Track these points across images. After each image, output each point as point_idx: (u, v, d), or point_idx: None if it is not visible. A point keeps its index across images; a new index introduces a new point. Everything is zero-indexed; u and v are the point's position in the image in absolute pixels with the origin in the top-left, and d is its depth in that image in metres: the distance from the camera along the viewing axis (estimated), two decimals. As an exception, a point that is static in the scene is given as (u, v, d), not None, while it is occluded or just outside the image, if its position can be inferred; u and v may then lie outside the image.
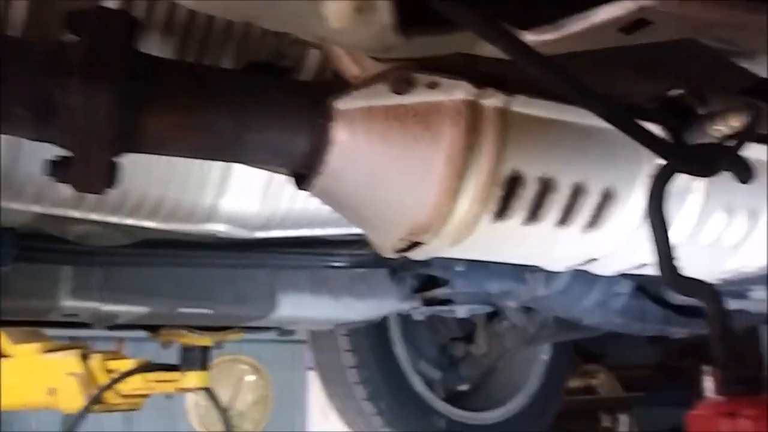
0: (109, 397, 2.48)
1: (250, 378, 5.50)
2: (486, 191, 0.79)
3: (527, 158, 0.81)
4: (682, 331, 2.40)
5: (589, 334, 2.76)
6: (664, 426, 6.39)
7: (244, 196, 1.12)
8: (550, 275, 1.96)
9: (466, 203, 0.79)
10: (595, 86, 0.72)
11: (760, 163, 0.99)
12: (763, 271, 1.16)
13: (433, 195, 0.78)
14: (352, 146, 0.77)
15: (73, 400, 2.49)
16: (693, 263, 1.01)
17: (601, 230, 0.89)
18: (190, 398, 5.07)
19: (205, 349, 2.35)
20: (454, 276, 1.83)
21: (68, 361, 2.53)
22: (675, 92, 0.91)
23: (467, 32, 0.65)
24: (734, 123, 0.83)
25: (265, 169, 0.86)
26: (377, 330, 2.62)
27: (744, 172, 0.79)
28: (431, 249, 0.86)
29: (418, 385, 2.70)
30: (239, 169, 1.07)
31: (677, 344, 6.70)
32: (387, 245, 0.86)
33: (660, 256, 0.75)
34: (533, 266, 1.95)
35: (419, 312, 2.04)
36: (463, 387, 3.17)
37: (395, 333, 2.70)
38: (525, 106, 0.81)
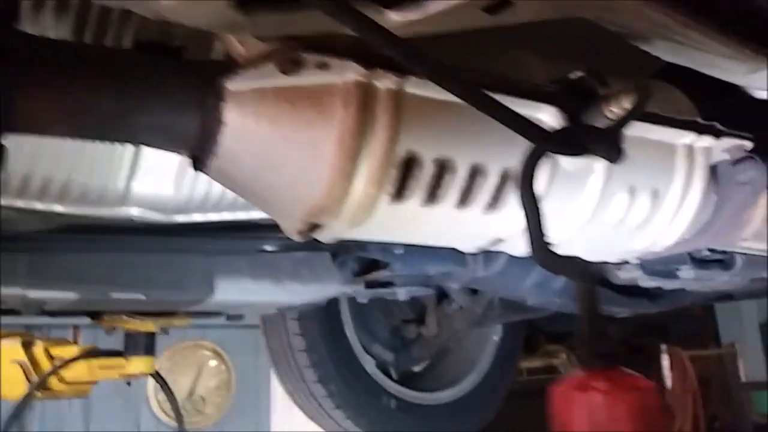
0: (54, 384, 2.45)
1: (212, 363, 5.49)
2: (381, 173, 0.80)
3: (422, 140, 0.81)
4: (624, 310, 2.45)
5: (535, 314, 2.81)
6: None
7: (157, 179, 1.11)
8: (489, 257, 1.98)
9: (360, 185, 0.79)
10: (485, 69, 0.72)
11: (664, 145, 1.01)
12: (673, 249, 1.19)
13: (326, 177, 0.78)
14: (244, 127, 0.77)
15: (16, 387, 2.45)
16: (599, 243, 1.03)
17: (502, 211, 0.90)
18: (151, 385, 5.05)
19: (149, 335, 2.33)
20: (393, 259, 1.84)
21: (10, 348, 2.48)
22: (575, 75, 0.92)
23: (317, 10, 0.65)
24: (626, 104, 0.84)
25: (166, 151, 0.85)
26: (327, 313, 2.63)
27: (612, 153, 0.80)
28: (332, 231, 0.86)
29: (369, 367, 2.72)
30: (150, 152, 1.06)
31: (639, 323, 6.85)
32: (290, 227, 0.86)
33: (531, 235, 0.76)
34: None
35: (362, 295, 2.05)
36: (417, 368, 3.21)
37: (346, 316, 2.71)
38: (419, 87, 0.81)
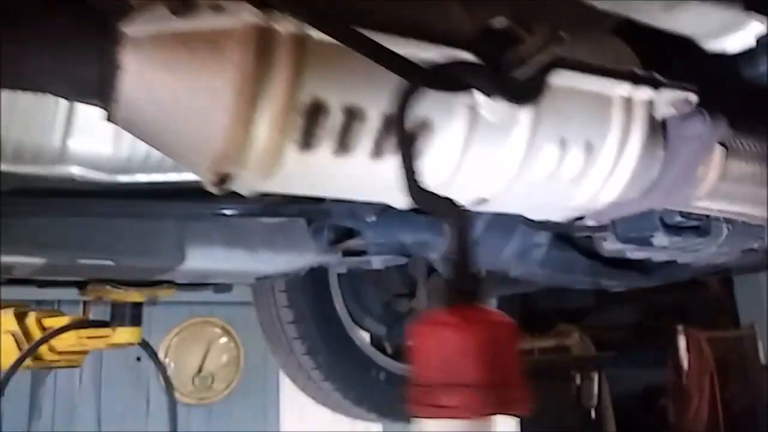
0: (45, 353, 2.50)
1: (222, 340, 5.56)
2: (283, 119, 0.78)
3: (328, 86, 0.79)
4: (616, 283, 2.41)
5: (525, 288, 2.78)
6: (636, 386, 6.47)
7: (94, 136, 1.11)
8: (465, 226, 1.96)
9: (263, 132, 0.78)
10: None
11: (598, 96, 0.97)
12: (621, 209, 1.16)
13: (225, 123, 0.76)
14: (143, 74, 0.76)
15: (10, 357, 2.51)
16: (535, 198, 1.01)
17: (421, 162, 0.88)
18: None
19: (136, 306, 2.36)
20: (364, 227, 1.82)
21: (4, 319, 2.53)
22: (500, 23, 0.89)
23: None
24: (546, 55, 0.82)
25: (75, 100, 0.84)
26: (315, 285, 2.64)
27: (515, 94, 0.77)
28: (245, 182, 0.85)
29: (358, 339, 2.72)
30: (84, 109, 1.06)
31: (655, 304, 6.75)
32: (205, 178, 0.86)
33: (405, 174, 0.74)
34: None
35: (338, 264, 2.04)
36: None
37: (335, 288, 2.71)
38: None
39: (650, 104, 1.02)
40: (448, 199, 0.77)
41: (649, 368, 6.44)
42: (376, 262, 1.92)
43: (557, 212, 1.08)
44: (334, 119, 0.81)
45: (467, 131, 0.88)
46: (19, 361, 2.34)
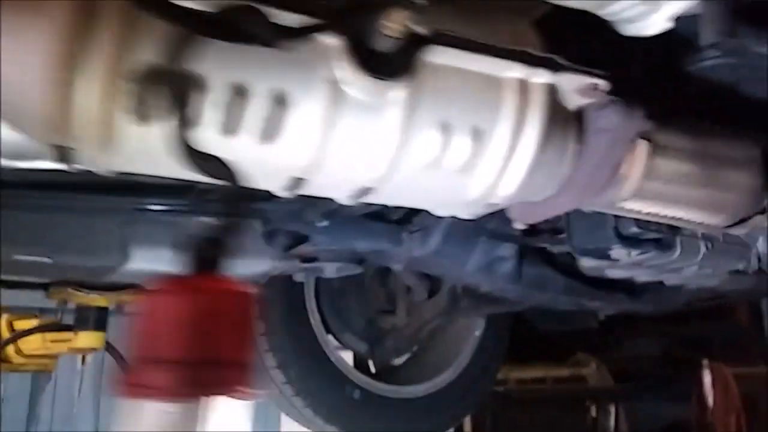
0: (12, 356, 2.48)
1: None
2: (112, 86, 0.73)
3: (160, 51, 0.74)
4: (599, 305, 2.29)
5: (514, 308, 2.67)
6: (657, 421, 6.19)
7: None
8: (424, 235, 1.88)
9: (88, 99, 0.73)
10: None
11: (486, 77, 0.90)
12: (532, 211, 1.07)
13: (42, 86, 0.71)
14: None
15: (-22, 359, 2.50)
16: (423, 189, 0.93)
17: (279, 142, 0.82)
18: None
19: (101, 310, 2.32)
20: (315, 232, 1.76)
21: (-23, 321, 2.53)
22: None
23: None
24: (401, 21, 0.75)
25: None
26: (288, 297, 2.57)
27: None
28: (85, 156, 0.80)
29: (332, 355, 2.64)
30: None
31: (680, 336, 6.48)
32: (45, 153, 0.80)
33: (178, 131, 0.68)
34: (408, 225, 1.89)
35: (293, 272, 1.97)
36: (397, 361, 3.10)
37: (310, 301, 2.64)
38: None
39: (552, 90, 0.94)
40: (217, 159, 0.70)
41: (672, 403, 6.17)
42: (329, 269, 1.85)
43: (458, 207, 1.00)
44: (171, 87, 0.75)
45: (329, 109, 0.81)
46: (-20, 362, 2.32)
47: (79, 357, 2.79)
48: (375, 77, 0.78)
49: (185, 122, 0.76)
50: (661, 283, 1.86)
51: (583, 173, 1.02)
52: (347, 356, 2.77)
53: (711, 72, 1.16)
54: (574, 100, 0.97)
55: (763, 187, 1.15)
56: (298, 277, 2.18)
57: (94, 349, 2.33)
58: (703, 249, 1.63)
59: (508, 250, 1.93)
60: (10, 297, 2.64)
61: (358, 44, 0.77)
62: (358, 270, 1.92)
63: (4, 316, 2.55)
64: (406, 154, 0.87)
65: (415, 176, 0.90)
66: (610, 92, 1.00)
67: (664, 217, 1.16)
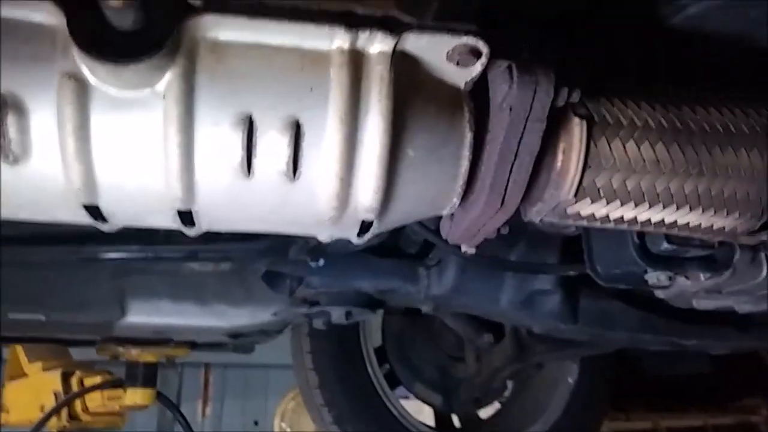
0: (80, 414, 2.50)
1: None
2: None
3: None
4: (701, 343, 1.88)
5: (597, 350, 2.28)
6: None
7: None
8: (440, 270, 1.62)
9: None
10: None
11: (296, 50, 0.67)
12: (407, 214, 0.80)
13: None
14: None
15: (54, 417, 2.55)
16: (250, 204, 0.73)
17: (31, 162, 0.65)
18: (276, 425, 5.10)
19: (149, 366, 2.28)
20: (308, 272, 1.57)
21: (52, 378, 2.60)
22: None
23: None
24: None
25: None
26: (342, 345, 2.38)
27: None
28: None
29: (396, 409, 2.40)
30: None
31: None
32: None
33: None
34: (425, 260, 1.65)
35: (299, 318, 1.78)
36: (483, 412, 2.78)
37: (367, 349, 2.43)
38: None
39: (411, 61, 0.70)
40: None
41: None
42: (336, 314, 1.64)
43: (320, 226, 0.77)
44: None
45: (78, 110, 0.63)
46: (43, 420, 2.36)
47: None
48: (108, 61, 0.60)
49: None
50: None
51: (489, 170, 0.75)
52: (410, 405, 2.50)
53: (699, 21, 0.85)
54: (452, 72, 0.71)
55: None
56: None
57: (144, 406, 2.28)
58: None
59: (547, 282, 1.61)
60: (84, 352, 2.70)
61: (77, 20, 0.60)
62: (369, 314, 1.69)
63: (77, 374, 2.60)
64: (200, 160, 0.67)
65: (230, 190, 0.70)
66: (530, 59, 0.73)
67: (647, 223, 0.85)
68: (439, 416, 2.74)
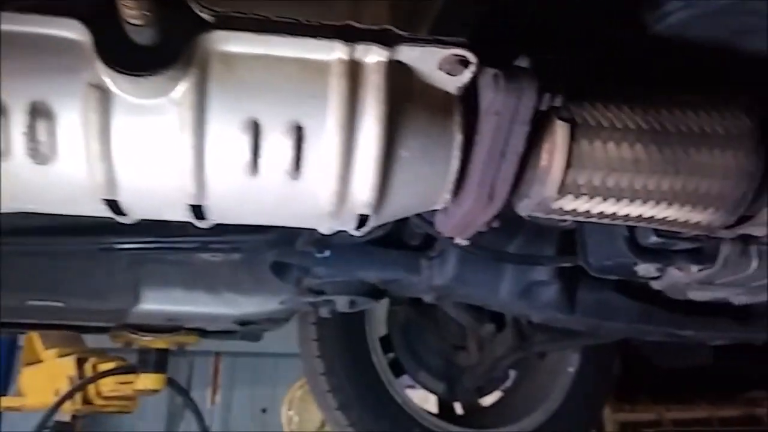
0: (94, 398, 2.60)
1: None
2: None
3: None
4: (698, 334, 1.93)
5: (596, 340, 2.34)
6: None
7: None
8: (442, 261, 1.68)
9: None
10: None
11: (300, 61, 0.74)
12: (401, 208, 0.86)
13: None
14: None
15: (68, 401, 2.65)
16: (258, 199, 0.79)
17: (58, 162, 0.72)
18: (284, 414, 5.18)
19: (161, 352, 2.37)
20: (313, 262, 1.63)
21: (67, 364, 2.69)
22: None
23: None
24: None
25: None
26: (348, 333, 2.45)
27: None
28: None
29: (399, 396, 2.47)
30: None
31: None
32: None
33: None
34: (427, 251, 1.71)
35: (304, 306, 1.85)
36: (484, 401, 2.85)
37: (372, 337, 2.50)
38: None
39: (404, 70, 0.76)
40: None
41: None
42: (341, 303, 1.71)
43: (321, 219, 0.83)
44: None
45: (101, 116, 0.70)
46: (58, 403, 2.45)
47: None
48: (129, 74, 0.66)
49: None
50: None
51: (477, 169, 0.81)
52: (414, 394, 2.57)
53: (681, 29, 0.90)
54: (444, 80, 0.78)
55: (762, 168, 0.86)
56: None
57: (155, 390, 2.36)
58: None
59: (545, 273, 1.67)
60: (97, 339, 2.78)
61: (101, 36, 0.66)
62: (373, 303, 1.76)
63: (91, 359, 2.69)
64: (211, 160, 0.73)
65: (238, 186, 0.76)
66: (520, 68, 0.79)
67: (627, 217, 0.91)
68: (442, 404, 2.81)
